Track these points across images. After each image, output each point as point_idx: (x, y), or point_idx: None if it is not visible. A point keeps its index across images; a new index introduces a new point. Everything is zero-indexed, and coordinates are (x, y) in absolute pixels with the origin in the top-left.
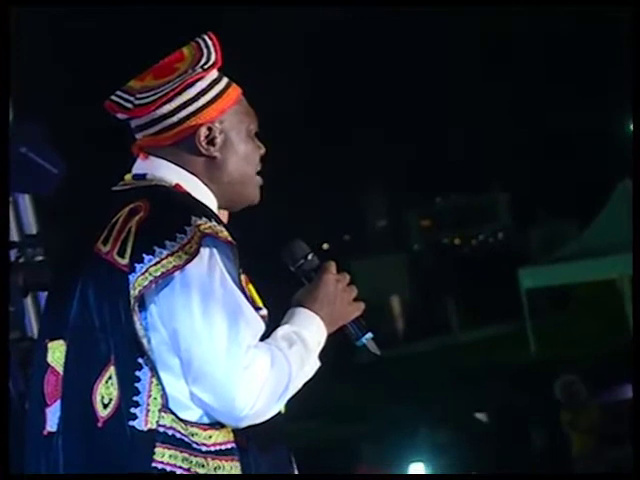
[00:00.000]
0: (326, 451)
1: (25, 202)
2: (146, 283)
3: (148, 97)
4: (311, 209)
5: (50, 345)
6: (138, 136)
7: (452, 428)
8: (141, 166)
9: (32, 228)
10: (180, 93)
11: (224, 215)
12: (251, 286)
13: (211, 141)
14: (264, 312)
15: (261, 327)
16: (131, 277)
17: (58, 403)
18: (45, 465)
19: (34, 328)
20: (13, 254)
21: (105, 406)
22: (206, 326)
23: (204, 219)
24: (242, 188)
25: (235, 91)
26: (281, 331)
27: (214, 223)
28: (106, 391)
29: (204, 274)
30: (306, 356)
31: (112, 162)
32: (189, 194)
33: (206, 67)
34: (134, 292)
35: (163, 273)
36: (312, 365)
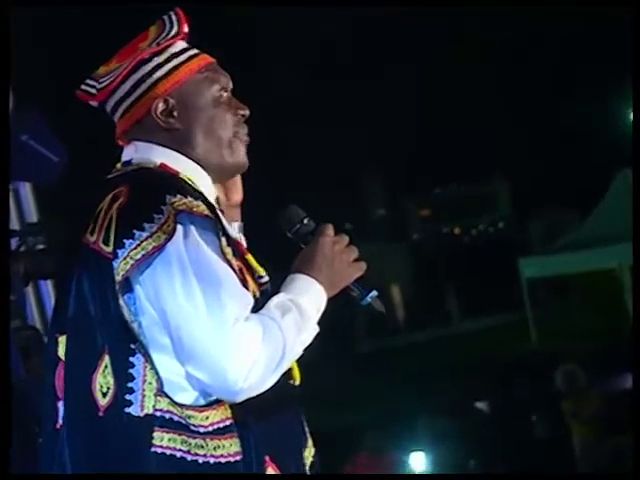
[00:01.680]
0: (327, 439)
1: (26, 190)
2: (128, 267)
3: (107, 80)
4: (310, 198)
5: (60, 339)
6: (115, 121)
7: (452, 417)
8: (127, 152)
9: (33, 216)
10: (134, 71)
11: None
12: (250, 256)
13: (169, 113)
14: (265, 279)
15: (248, 299)
16: (115, 264)
17: None
18: (56, 459)
19: (35, 317)
20: (14, 243)
21: (104, 395)
22: (189, 303)
23: (178, 196)
24: (220, 153)
25: (200, 61)
26: (275, 300)
27: (189, 199)
28: (104, 380)
29: (182, 251)
30: (302, 323)
31: (113, 151)
32: (175, 172)
33: (162, 41)
34: (118, 278)
35: (144, 255)
36: (310, 331)
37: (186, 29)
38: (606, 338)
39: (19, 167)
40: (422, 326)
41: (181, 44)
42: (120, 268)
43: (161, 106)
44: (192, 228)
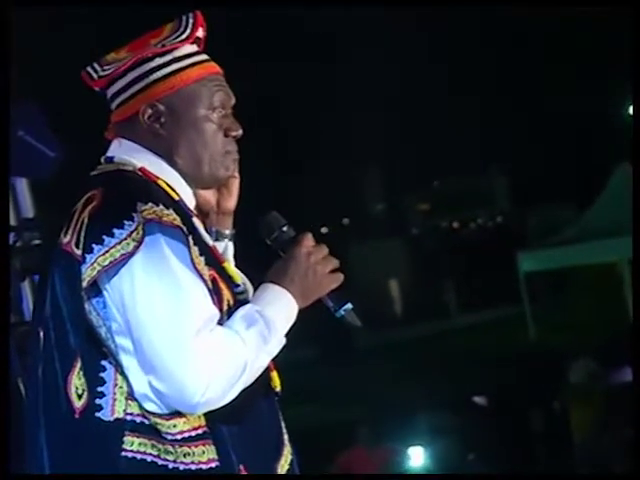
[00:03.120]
0: (325, 434)
1: (22, 186)
2: (94, 273)
3: (109, 69)
4: (309, 193)
5: (42, 335)
6: (110, 112)
7: (451, 412)
8: (112, 148)
9: (29, 212)
10: (134, 67)
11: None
12: (227, 264)
13: (156, 119)
14: (241, 289)
15: (213, 311)
16: (82, 268)
17: None
18: (37, 458)
19: (31, 312)
20: (10, 238)
21: (80, 397)
22: (151, 314)
23: (150, 204)
24: (199, 167)
25: (202, 70)
26: (242, 311)
27: (160, 207)
28: (79, 382)
29: (146, 261)
30: (268, 335)
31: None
32: (153, 177)
33: (169, 43)
34: (84, 284)
35: (111, 262)
36: (277, 343)
37: (200, 34)
38: (604, 332)
39: (15, 162)
40: (420, 320)
41: (188, 48)
42: (87, 274)
43: (148, 111)
44: (160, 237)
